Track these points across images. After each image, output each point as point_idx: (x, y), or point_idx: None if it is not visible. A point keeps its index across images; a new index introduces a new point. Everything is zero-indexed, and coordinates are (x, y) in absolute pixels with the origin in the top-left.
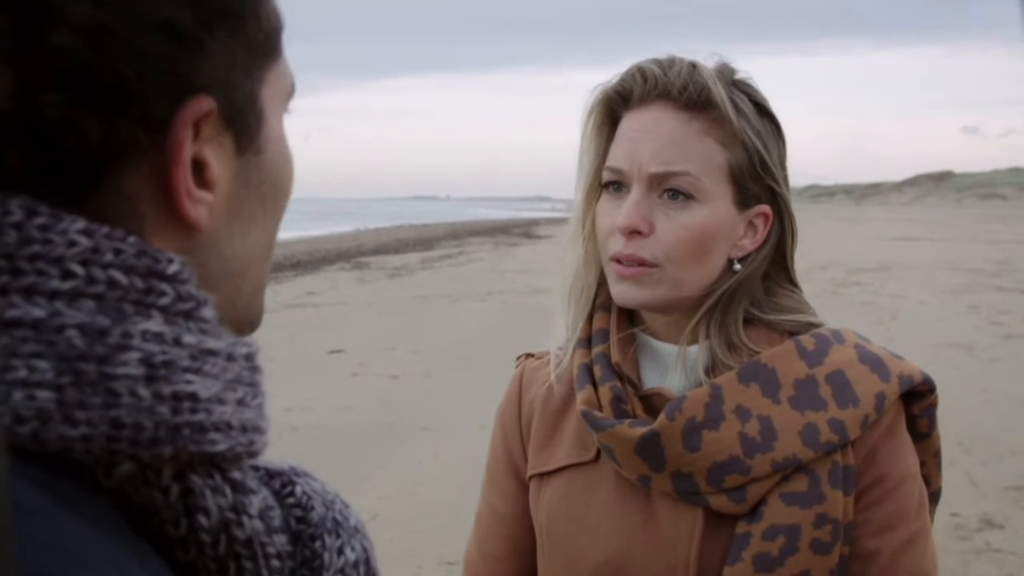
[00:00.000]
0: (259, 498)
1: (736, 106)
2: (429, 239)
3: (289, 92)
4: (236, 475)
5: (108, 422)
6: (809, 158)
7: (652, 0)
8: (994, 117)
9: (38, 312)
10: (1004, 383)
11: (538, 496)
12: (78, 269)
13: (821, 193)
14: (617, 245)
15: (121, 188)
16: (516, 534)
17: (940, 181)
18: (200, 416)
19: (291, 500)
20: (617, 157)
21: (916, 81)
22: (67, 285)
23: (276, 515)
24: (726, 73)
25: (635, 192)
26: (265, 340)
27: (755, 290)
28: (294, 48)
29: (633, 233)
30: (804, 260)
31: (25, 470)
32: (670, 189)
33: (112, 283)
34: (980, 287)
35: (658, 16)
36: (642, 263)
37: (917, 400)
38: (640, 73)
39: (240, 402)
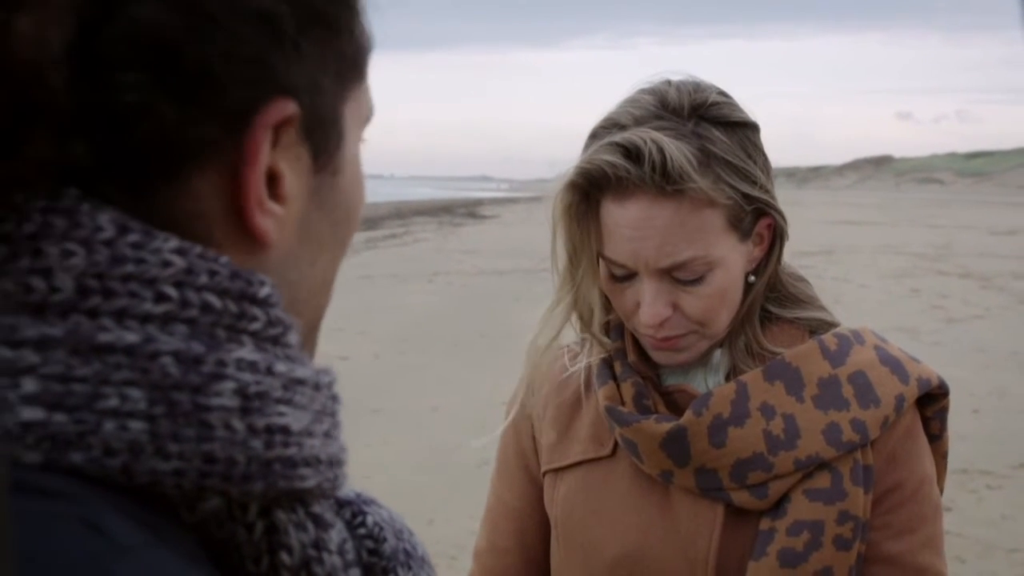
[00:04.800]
0: (336, 531)
1: (713, 157)
2: (373, 218)
3: (368, 118)
4: (317, 509)
5: (201, 456)
6: None
7: None
8: (926, 103)
9: (132, 337)
10: (947, 367)
11: (553, 491)
12: (172, 292)
13: None
14: (647, 330)
15: (191, 190)
16: (525, 528)
17: (880, 165)
18: (292, 450)
19: (362, 531)
20: (617, 253)
21: (855, 67)
22: (160, 309)
23: (350, 548)
24: (684, 109)
25: (648, 285)
26: None
27: (774, 283)
28: None
29: (662, 322)
30: None
31: (117, 503)
32: (682, 276)
33: (206, 307)
34: (921, 271)
35: None
36: (678, 337)
37: (930, 403)
38: (610, 167)
39: (327, 435)
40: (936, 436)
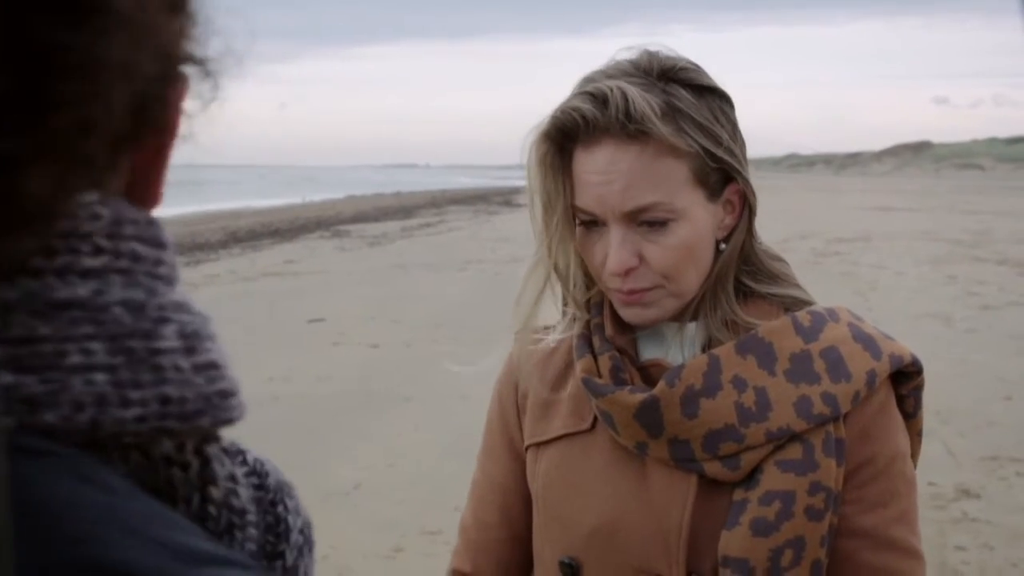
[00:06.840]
0: (238, 465)
1: (678, 111)
2: (409, 207)
3: None
4: (225, 444)
5: (158, 399)
6: (788, 127)
7: None
8: (963, 88)
9: (83, 291)
10: (981, 354)
11: (535, 465)
12: (106, 244)
13: (800, 162)
14: (614, 283)
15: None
16: (509, 503)
17: (918, 151)
18: (224, 384)
19: (245, 468)
20: (585, 200)
21: (889, 52)
22: (99, 262)
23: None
24: (654, 70)
25: (615, 232)
26: (244, 309)
27: (748, 255)
28: (268, 14)
29: (627, 270)
30: (785, 229)
31: (99, 458)
32: (647, 220)
33: (135, 256)
34: (958, 258)
35: None
36: (644, 290)
37: (904, 381)
38: (578, 113)
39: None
40: (911, 414)
